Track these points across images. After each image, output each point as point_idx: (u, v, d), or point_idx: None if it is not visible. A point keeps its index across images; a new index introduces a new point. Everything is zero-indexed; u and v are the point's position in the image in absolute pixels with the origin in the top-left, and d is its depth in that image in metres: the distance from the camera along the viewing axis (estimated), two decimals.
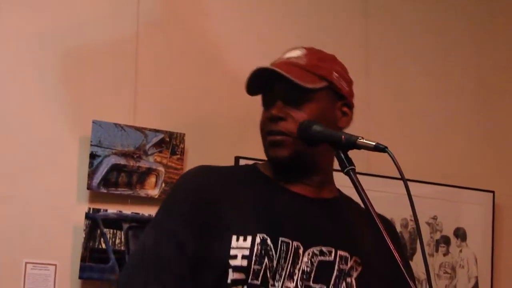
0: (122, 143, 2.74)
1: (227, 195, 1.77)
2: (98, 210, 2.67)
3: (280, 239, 1.71)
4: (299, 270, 1.71)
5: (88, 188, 2.69)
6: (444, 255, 3.35)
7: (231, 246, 1.68)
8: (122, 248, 2.66)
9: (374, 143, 1.64)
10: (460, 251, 3.39)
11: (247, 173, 1.87)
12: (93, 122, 2.70)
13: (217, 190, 1.77)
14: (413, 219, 1.67)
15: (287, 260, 1.71)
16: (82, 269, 2.62)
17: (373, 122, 3.27)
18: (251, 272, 1.67)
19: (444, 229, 3.36)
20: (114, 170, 2.72)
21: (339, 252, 1.76)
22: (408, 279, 1.55)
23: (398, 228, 3.23)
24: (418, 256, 3.25)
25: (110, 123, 2.73)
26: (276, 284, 1.69)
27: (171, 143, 2.81)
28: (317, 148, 1.78)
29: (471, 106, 3.56)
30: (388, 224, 1.93)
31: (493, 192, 3.46)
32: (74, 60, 2.78)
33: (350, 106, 1.91)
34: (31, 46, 2.73)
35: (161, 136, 2.81)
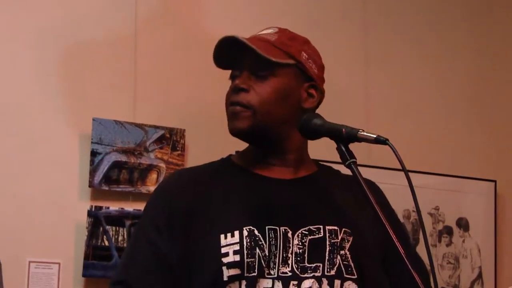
0: (122, 140, 2.74)
1: (204, 195, 1.79)
2: (100, 208, 2.67)
3: (267, 227, 1.72)
4: (292, 254, 1.72)
5: (89, 186, 2.69)
6: (447, 245, 3.35)
7: (221, 244, 1.70)
8: (125, 245, 2.66)
9: (374, 136, 1.64)
10: (463, 241, 3.39)
11: (221, 167, 1.88)
12: (93, 119, 2.70)
13: (193, 193, 1.80)
14: (415, 210, 1.66)
15: (278, 246, 1.71)
16: (85, 267, 2.62)
17: (373, 113, 3.27)
18: (246, 266, 1.69)
19: (447, 219, 3.36)
20: (115, 167, 2.72)
21: (327, 227, 1.76)
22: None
23: (401, 219, 3.23)
24: (421, 247, 3.25)
25: (110, 120, 2.73)
26: (272, 272, 1.70)
27: (171, 139, 2.81)
28: (282, 126, 1.81)
29: (471, 95, 3.56)
30: (375, 188, 1.97)
31: (495, 181, 3.46)
32: (73, 57, 2.77)
33: (318, 89, 1.88)
34: (30, 44, 2.73)
35: (161, 132, 2.81)
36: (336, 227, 1.77)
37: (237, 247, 1.70)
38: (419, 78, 3.45)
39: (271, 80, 1.81)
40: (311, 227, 1.75)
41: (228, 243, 1.70)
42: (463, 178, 3.40)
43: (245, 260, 1.69)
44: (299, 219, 1.76)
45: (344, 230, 1.77)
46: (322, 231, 1.75)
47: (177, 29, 2.96)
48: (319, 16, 3.25)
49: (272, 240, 1.71)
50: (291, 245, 1.73)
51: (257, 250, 1.70)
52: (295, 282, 1.70)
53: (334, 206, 1.83)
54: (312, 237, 1.75)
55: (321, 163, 1.96)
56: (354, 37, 3.32)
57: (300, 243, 1.73)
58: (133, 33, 2.86)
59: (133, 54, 2.85)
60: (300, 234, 1.74)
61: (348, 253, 1.75)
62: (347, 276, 1.74)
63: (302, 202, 1.81)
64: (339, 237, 1.76)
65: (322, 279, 1.72)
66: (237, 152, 1.94)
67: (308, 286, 1.71)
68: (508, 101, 3.65)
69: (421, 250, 3.22)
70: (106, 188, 2.70)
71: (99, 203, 2.69)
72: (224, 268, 1.69)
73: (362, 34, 3.34)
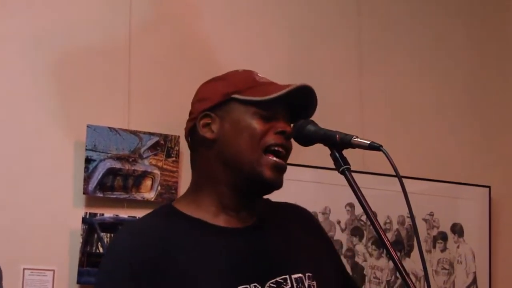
0: (117, 147, 2.73)
1: (164, 258, 1.65)
2: (95, 215, 2.67)
3: (240, 287, 1.65)
4: None
5: (84, 193, 2.68)
6: (442, 251, 3.36)
7: None
8: None
9: (368, 142, 1.63)
10: (458, 247, 3.39)
11: (172, 220, 1.74)
12: (87, 126, 2.70)
13: (152, 257, 1.65)
14: (409, 216, 1.65)
15: None
16: (80, 274, 2.62)
17: (367, 120, 3.27)
18: None
19: (441, 225, 3.36)
20: (109, 174, 2.71)
21: (293, 276, 1.71)
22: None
23: (395, 225, 3.24)
24: (415, 253, 3.26)
25: (105, 127, 2.73)
26: None
27: (166, 145, 2.81)
28: None
29: (465, 101, 3.57)
30: (302, 213, 1.92)
31: (489, 187, 3.46)
32: (66, 64, 2.77)
33: None
34: (24, 51, 2.72)
35: (155, 139, 2.80)
36: (300, 275, 1.72)
37: None
38: (413, 85, 3.45)
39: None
40: (278, 279, 1.69)
41: None
42: (457, 184, 3.40)
43: None
44: (265, 271, 1.69)
45: (308, 276, 1.73)
46: (289, 281, 1.71)
47: (172, 35, 2.96)
48: (314, 23, 3.25)
49: None
50: None
51: None
52: None
53: (292, 250, 1.78)
54: None
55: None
56: (349, 44, 3.33)
57: None
58: (127, 39, 2.86)
59: (127, 61, 2.85)
60: None
61: None
62: None
63: (264, 252, 1.73)
64: (306, 285, 1.72)
65: None
66: (171, 202, 1.84)
67: None
68: (502, 107, 3.66)
69: (415, 256, 3.25)
70: (101, 195, 2.70)
71: (94, 210, 2.68)
72: None
73: (356, 41, 3.34)
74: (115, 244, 1.75)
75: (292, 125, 1.76)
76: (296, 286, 1.71)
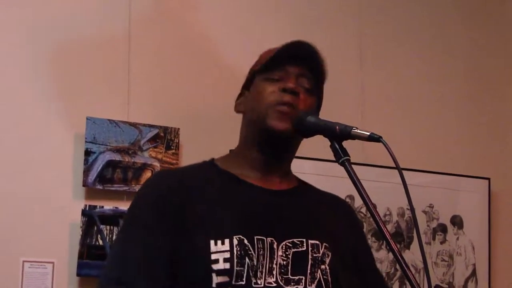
0: (116, 139, 2.73)
1: (193, 199, 1.78)
2: (95, 207, 2.67)
3: (255, 237, 1.73)
4: (276, 265, 1.73)
5: (83, 185, 2.68)
6: (441, 243, 3.36)
7: (211, 251, 1.70)
8: None
9: (368, 133, 1.64)
10: (457, 238, 3.39)
11: (207, 170, 1.88)
12: (87, 118, 2.70)
13: (182, 193, 1.79)
14: (409, 208, 1.66)
15: (265, 256, 1.73)
16: (79, 266, 2.62)
17: (367, 111, 3.27)
18: (235, 274, 1.69)
19: (441, 217, 3.37)
20: (109, 166, 2.72)
21: (310, 241, 1.78)
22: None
23: (395, 217, 3.24)
24: (415, 244, 3.26)
25: (104, 120, 2.72)
26: (259, 281, 1.71)
27: (165, 138, 2.81)
28: (299, 139, 1.86)
29: (465, 94, 3.57)
30: (345, 206, 2.03)
31: (488, 179, 3.47)
32: (66, 57, 2.77)
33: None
34: (23, 43, 2.72)
35: (155, 131, 2.80)
36: (317, 242, 1.79)
37: (227, 255, 1.69)
38: (414, 76, 3.45)
39: (313, 96, 1.85)
40: (295, 240, 1.77)
41: (218, 250, 1.70)
42: (457, 176, 3.40)
43: (235, 268, 1.69)
44: (284, 231, 1.77)
45: (325, 245, 1.79)
46: (305, 244, 1.78)
47: (171, 28, 2.95)
48: (314, 14, 3.25)
49: (260, 250, 1.72)
50: (275, 256, 1.74)
51: (247, 259, 1.70)
52: None
53: (315, 221, 1.86)
54: (295, 249, 1.76)
55: (300, 179, 1.98)
56: (349, 35, 3.33)
57: (284, 255, 1.75)
58: (126, 32, 2.86)
59: (127, 53, 2.85)
60: (284, 246, 1.76)
61: (327, 268, 1.78)
62: None
63: (287, 215, 1.82)
64: (320, 252, 1.78)
65: None
66: (213, 158, 1.94)
67: None
68: (502, 99, 3.66)
69: (415, 247, 3.25)
70: (100, 187, 2.70)
71: (93, 202, 2.68)
72: (213, 274, 1.69)
73: (357, 32, 3.34)
74: (146, 183, 1.96)
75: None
76: (311, 250, 1.77)
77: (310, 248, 1.77)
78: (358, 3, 3.36)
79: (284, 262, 1.74)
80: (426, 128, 3.44)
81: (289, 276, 1.74)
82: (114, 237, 2.66)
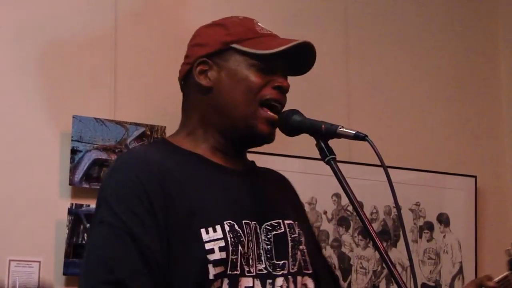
0: (103, 137, 2.73)
1: (170, 185, 1.64)
2: (81, 206, 2.66)
3: (243, 221, 1.67)
4: (263, 250, 1.69)
5: (70, 184, 2.68)
6: (428, 241, 3.37)
7: (204, 240, 1.60)
8: None
9: (354, 132, 1.64)
10: (444, 236, 3.41)
11: (171, 153, 1.73)
12: (73, 117, 2.69)
13: (159, 182, 1.63)
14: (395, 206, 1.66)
15: (253, 242, 1.67)
16: (66, 265, 2.62)
17: (353, 110, 3.28)
18: (230, 263, 1.61)
19: (427, 215, 3.38)
20: (95, 165, 2.71)
21: (285, 222, 1.75)
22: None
23: (381, 215, 3.25)
24: (402, 243, 3.27)
25: (91, 118, 2.72)
26: (251, 269, 1.65)
27: (152, 136, 2.81)
28: None
29: (451, 92, 3.58)
30: (283, 180, 1.95)
31: (475, 176, 3.48)
32: (52, 54, 2.76)
33: None
34: (9, 41, 2.71)
35: (142, 129, 2.80)
36: (291, 221, 1.76)
37: (222, 243, 1.61)
38: (399, 75, 3.46)
39: None
40: (272, 222, 1.73)
41: (211, 238, 1.60)
42: (443, 173, 3.42)
43: (230, 257, 1.61)
44: (261, 213, 1.72)
45: (297, 224, 1.77)
46: (282, 226, 1.74)
47: (158, 25, 2.95)
48: (300, 12, 3.25)
49: (248, 235, 1.66)
50: (260, 241, 1.69)
51: (239, 246, 1.63)
52: (270, 281, 1.67)
53: (284, 200, 1.83)
54: (275, 232, 1.72)
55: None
56: (335, 32, 3.33)
57: (266, 239, 1.70)
58: (113, 30, 2.85)
59: (113, 51, 2.84)
60: (265, 229, 1.71)
61: (305, 247, 1.75)
62: (305, 271, 1.74)
63: (260, 195, 1.76)
64: (296, 232, 1.76)
65: (289, 276, 1.71)
66: (164, 137, 1.88)
67: (279, 285, 1.69)
68: (488, 98, 3.67)
69: (401, 246, 3.26)
70: (87, 186, 2.69)
71: (80, 201, 2.68)
72: (210, 266, 1.59)
73: (343, 30, 3.35)
74: (120, 169, 1.70)
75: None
76: (289, 231, 1.74)
77: (288, 229, 1.74)
78: (344, 1, 3.36)
79: (269, 247, 1.70)
80: (412, 126, 3.45)
81: (275, 261, 1.70)
82: None
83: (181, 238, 1.61)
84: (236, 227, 1.64)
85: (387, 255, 1.56)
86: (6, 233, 2.60)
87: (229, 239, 1.62)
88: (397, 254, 3.24)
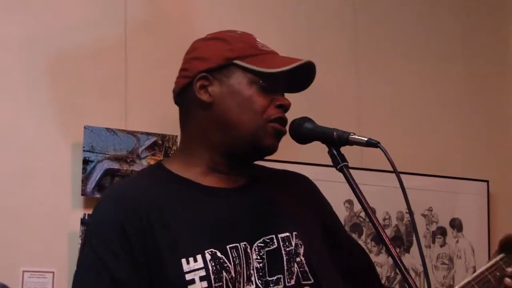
0: (114, 147, 2.73)
1: (154, 218, 1.65)
2: None
3: (228, 247, 1.65)
4: (254, 270, 1.67)
5: (82, 194, 2.68)
6: (441, 246, 3.36)
7: (184, 271, 1.60)
8: None
9: (366, 139, 1.64)
10: (457, 241, 3.39)
11: (162, 180, 1.73)
12: (84, 127, 2.70)
13: (142, 218, 1.64)
14: (408, 211, 1.65)
15: (242, 265, 1.66)
16: None
17: (364, 116, 3.27)
18: None
19: (440, 220, 3.37)
20: (107, 175, 2.71)
21: (280, 236, 1.72)
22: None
23: (394, 221, 3.24)
24: (415, 248, 3.26)
25: (102, 128, 2.72)
26: None
27: (163, 145, 2.81)
28: None
29: (462, 96, 3.57)
30: (307, 182, 1.94)
31: (487, 181, 3.47)
32: (63, 65, 2.77)
33: None
34: (20, 53, 2.72)
35: (153, 139, 2.80)
36: (287, 234, 1.74)
37: (203, 273, 1.61)
38: (410, 80, 3.45)
39: None
40: (265, 238, 1.71)
41: (191, 268, 1.61)
42: (455, 178, 3.41)
43: (213, 285, 1.60)
44: (252, 231, 1.70)
45: (295, 235, 1.74)
46: (275, 240, 1.72)
47: (168, 34, 2.95)
48: (310, 19, 3.25)
49: (236, 259, 1.65)
50: (251, 260, 1.68)
51: (224, 273, 1.62)
52: None
53: (279, 211, 1.78)
54: (268, 248, 1.70)
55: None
56: (345, 40, 3.33)
57: (258, 257, 1.68)
58: (123, 40, 2.86)
59: (124, 61, 2.85)
60: (257, 248, 1.69)
61: (303, 258, 1.73)
62: (304, 282, 1.72)
63: (251, 213, 1.74)
64: (293, 244, 1.73)
65: None
66: (160, 161, 1.85)
67: None
68: (499, 102, 3.66)
69: (414, 251, 3.25)
70: (99, 196, 2.69)
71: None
72: None
73: (352, 36, 3.35)
74: (101, 208, 1.71)
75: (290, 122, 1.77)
76: (283, 245, 1.71)
77: (281, 243, 1.72)
78: (353, 8, 3.36)
79: (261, 265, 1.68)
80: (424, 131, 3.44)
81: (267, 278, 1.68)
82: None
83: (162, 270, 1.61)
84: (219, 254, 1.63)
85: (401, 260, 1.56)
86: (19, 244, 2.61)
87: (210, 267, 1.61)
88: (410, 259, 3.23)
